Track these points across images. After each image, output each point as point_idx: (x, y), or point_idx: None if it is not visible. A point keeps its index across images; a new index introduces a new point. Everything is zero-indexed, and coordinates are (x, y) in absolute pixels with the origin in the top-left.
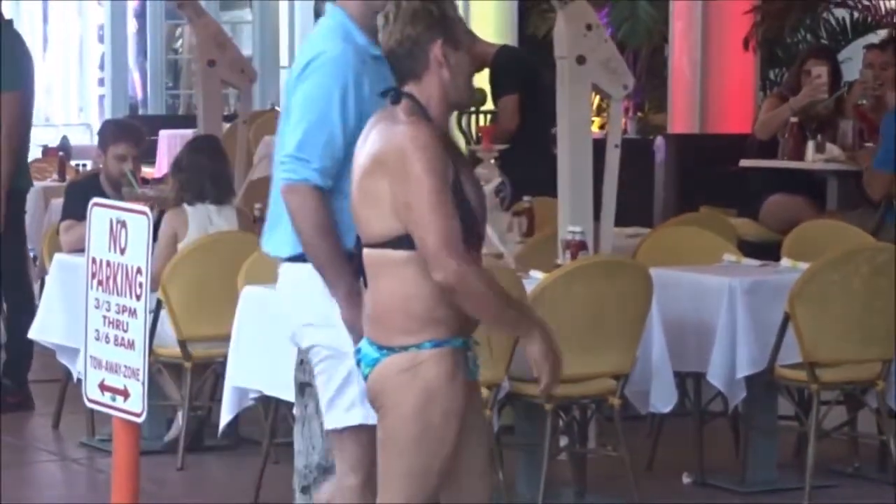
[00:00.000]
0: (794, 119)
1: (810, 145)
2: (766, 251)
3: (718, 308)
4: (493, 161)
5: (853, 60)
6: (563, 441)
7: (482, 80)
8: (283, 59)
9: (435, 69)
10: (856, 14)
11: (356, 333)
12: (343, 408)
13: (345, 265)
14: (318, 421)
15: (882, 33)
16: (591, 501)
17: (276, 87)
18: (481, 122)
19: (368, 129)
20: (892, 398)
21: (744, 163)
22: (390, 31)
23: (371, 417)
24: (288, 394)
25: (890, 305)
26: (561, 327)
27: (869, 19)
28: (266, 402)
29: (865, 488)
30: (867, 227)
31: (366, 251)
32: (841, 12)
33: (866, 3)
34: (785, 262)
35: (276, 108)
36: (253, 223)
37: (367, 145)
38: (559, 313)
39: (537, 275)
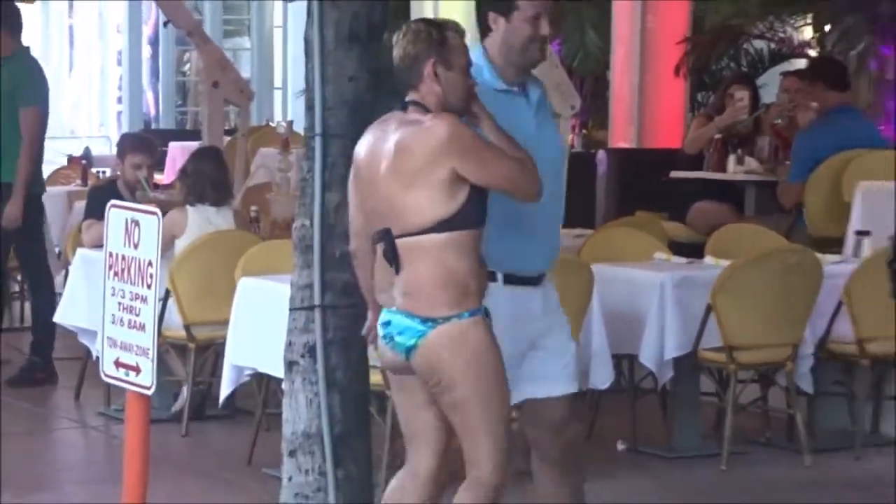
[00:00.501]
0: (718, 136)
1: (732, 159)
2: (693, 250)
3: (650, 299)
4: None
5: (770, 86)
6: (514, 414)
7: None
8: (277, 81)
9: (428, 83)
10: (773, 45)
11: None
12: None
13: None
14: (303, 394)
15: (796, 62)
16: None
17: (271, 106)
18: None
19: (386, 134)
20: (799, 377)
21: (674, 174)
22: (397, 48)
23: None
24: (278, 371)
25: (799, 299)
26: None
27: (784, 50)
28: (259, 377)
29: (776, 455)
30: (781, 231)
31: (405, 240)
32: (760, 44)
33: (782, 35)
34: (709, 259)
35: (271, 123)
36: (249, 223)
37: (405, 145)
38: None
39: None
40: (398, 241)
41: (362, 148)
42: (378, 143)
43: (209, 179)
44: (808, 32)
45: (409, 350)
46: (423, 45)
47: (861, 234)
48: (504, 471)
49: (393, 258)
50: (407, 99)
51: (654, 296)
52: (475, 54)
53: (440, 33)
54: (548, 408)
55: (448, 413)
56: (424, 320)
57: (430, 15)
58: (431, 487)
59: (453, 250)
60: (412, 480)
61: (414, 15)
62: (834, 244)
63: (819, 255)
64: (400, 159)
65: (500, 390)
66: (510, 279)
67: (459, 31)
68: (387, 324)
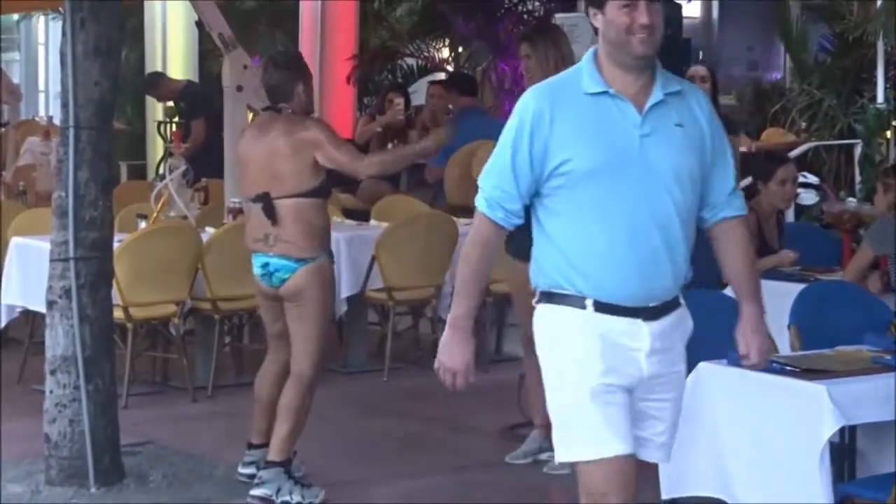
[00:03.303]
0: (379, 130)
1: (390, 147)
2: (361, 216)
3: None
4: (181, 154)
5: (419, 93)
6: (227, 339)
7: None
8: (41, 85)
9: (298, 98)
10: (420, 62)
11: (444, 362)
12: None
13: (466, 297)
14: (61, 326)
15: (438, 75)
16: (246, 380)
17: (36, 104)
18: (174, 129)
19: (269, 128)
20: (441, 310)
21: None
22: (272, 73)
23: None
24: (42, 308)
25: (441, 251)
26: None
27: (429, 65)
28: (27, 313)
29: (424, 371)
30: (427, 201)
31: (282, 201)
32: (410, 61)
33: (426, 54)
34: (373, 222)
35: (36, 118)
36: (17, 195)
37: (281, 134)
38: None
39: (210, 230)
40: (276, 202)
41: (245, 141)
42: (262, 134)
43: None
44: (445, 52)
45: (283, 281)
46: (292, 73)
47: None
48: (318, 367)
49: (271, 214)
50: (280, 106)
51: (333, 249)
52: (585, 57)
53: (300, 62)
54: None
55: (291, 323)
56: (297, 260)
57: (159, 37)
58: (285, 369)
59: (315, 211)
60: (274, 364)
61: (147, 37)
62: (466, 211)
63: (455, 219)
64: (285, 142)
65: (329, 311)
66: (599, 307)
67: (302, 57)
68: (265, 265)
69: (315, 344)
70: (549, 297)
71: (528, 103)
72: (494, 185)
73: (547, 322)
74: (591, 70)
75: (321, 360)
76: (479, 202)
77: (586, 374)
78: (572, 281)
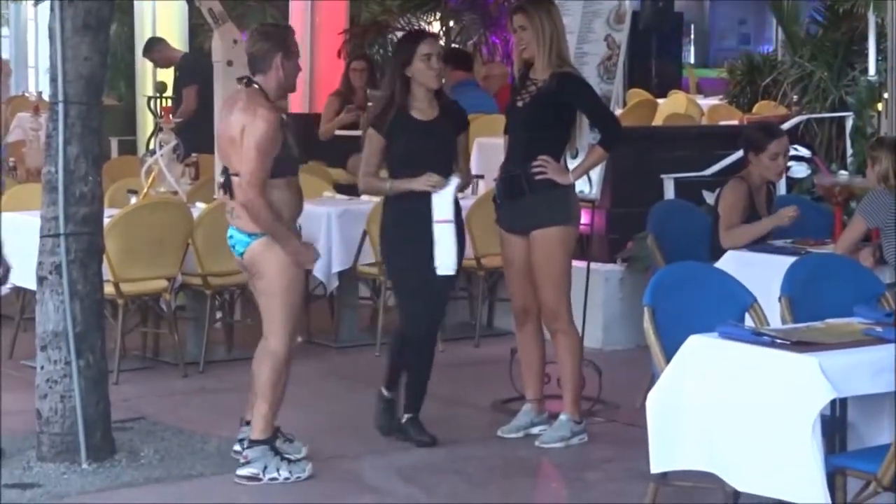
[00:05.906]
0: (371, 104)
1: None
2: (352, 190)
3: (320, 226)
4: (171, 129)
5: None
6: (218, 314)
7: (166, 75)
8: (31, 61)
9: (275, 70)
10: None
11: None
12: None
13: None
14: (52, 302)
15: None
16: (237, 355)
17: (26, 80)
18: (164, 104)
19: (235, 107)
20: None
21: (338, 132)
22: (251, 42)
23: None
24: (32, 284)
25: None
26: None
27: None
28: (18, 290)
29: None
30: None
31: (235, 177)
32: (401, 34)
33: (417, 28)
34: (364, 197)
35: (26, 93)
36: (7, 171)
37: (237, 111)
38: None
39: (201, 205)
40: (232, 177)
41: (219, 113)
42: (228, 108)
43: None
44: (436, 26)
45: (241, 254)
46: (273, 43)
47: (476, 177)
48: (288, 343)
49: (228, 188)
50: (255, 79)
51: (323, 224)
52: None
53: (284, 33)
54: None
55: (257, 297)
56: (249, 234)
57: (149, 12)
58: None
59: (268, 189)
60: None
61: (137, 11)
62: None
63: None
64: (234, 119)
65: (292, 286)
66: None
67: (292, 31)
68: (231, 236)
69: (280, 318)
70: None
71: None
72: None
73: None
74: None
75: (292, 334)
76: None
77: None
78: None
